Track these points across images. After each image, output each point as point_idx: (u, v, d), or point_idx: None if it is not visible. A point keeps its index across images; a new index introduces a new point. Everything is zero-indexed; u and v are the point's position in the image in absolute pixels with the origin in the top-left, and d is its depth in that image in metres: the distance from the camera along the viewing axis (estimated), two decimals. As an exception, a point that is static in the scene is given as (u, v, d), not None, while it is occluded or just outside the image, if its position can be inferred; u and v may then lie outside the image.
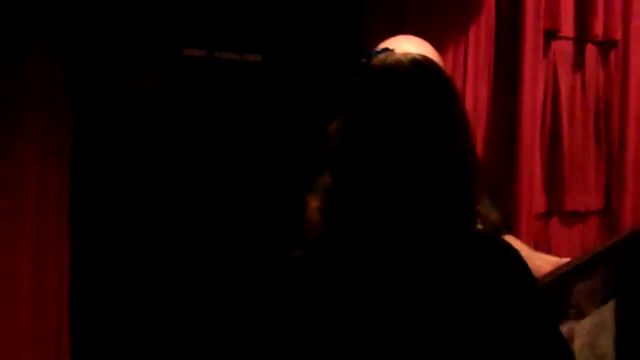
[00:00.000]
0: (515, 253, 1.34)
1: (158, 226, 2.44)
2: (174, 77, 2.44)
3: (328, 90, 2.66)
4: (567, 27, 2.87)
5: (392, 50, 1.48)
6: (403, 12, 2.65)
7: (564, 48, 2.89)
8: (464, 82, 2.72)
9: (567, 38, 2.88)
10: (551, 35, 2.85)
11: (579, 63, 2.92)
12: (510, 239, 1.62)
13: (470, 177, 1.34)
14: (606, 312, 1.74)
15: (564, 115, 2.88)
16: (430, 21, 2.67)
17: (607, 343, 1.75)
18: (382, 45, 1.83)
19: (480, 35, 2.75)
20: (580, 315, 1.69)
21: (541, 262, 1.79)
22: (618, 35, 2.94)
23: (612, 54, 2.97)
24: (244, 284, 2.51)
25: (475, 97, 2.75)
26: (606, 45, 2.95)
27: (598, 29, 2.90)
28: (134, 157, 2.41)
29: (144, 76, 2.39)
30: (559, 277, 1.64)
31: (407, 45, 1.80)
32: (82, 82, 2.21)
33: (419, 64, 1.35)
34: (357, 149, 1.33)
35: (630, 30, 2.96)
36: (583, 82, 2.92)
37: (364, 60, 1.51)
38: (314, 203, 1.40)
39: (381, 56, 1.41)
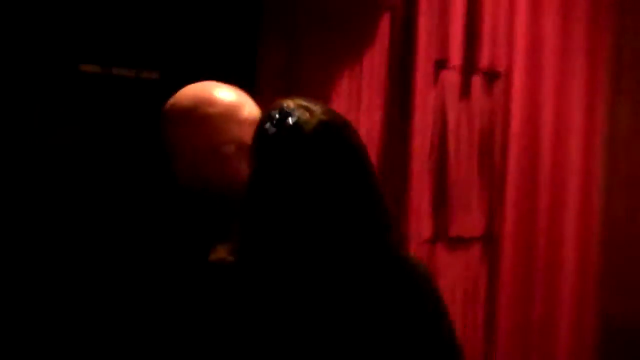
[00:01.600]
0: (423, 268, 1.49)
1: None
2: (69, 92, 2.38)
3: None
4: (456, 57, 2.99)
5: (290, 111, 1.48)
6: (297, 39, 2.69)
7: (451, 78, 3.01)
8: (358, 108, 2.79)
9: (454, 68, 3.00)
10: (440, 64, 2.97)
11: (465, 92, 3.05)
12: None
13: (378, 213, 1.45)
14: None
15: (451, 142, 2.98)
16: (325, 48, 2.73)
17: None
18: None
19: (374, 64, 2.83)
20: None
21: None
22: (501, 67, 3.10)
23: (496, 85, 3.11)
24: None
25: (370, 123, 2.82)
26: (491, 77, 3.10)
27: (484, 60, 3.04)
28: (27, 172, 2.34)
29: (38, 91, 2.32)
30: None
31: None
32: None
33: (324, 125, 1.44)
34: (268, 207, 1.42)
35: (513, 63, 3.11)
36: (469, 111, 3.05)
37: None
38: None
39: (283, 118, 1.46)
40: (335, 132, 1.44)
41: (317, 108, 1.48)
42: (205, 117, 1.70)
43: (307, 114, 1.45)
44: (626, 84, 3.53)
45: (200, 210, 1.64)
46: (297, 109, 1.47)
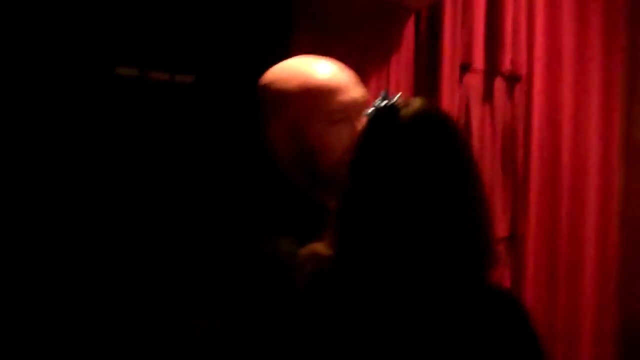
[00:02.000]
0: (518, 306, 1.40)
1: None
2: (105, 95, 2.40)
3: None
4: (478, 61, 3.04)
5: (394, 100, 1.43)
6: (327, 42, 2.72)
7: (475, 81, 3.05)
8: (386, 110, 2.82)
9: (478, 71, 3.05)
10: (464, 68, 3.01)
11: (488, 96, 3.10)
12: None
13: (479, 230, 1.37)
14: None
15: (475, 144, 3.03)
16: (355, 49, 2.76)
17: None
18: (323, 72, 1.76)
19: (401, 65, 2.86)
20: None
21: None
22: (522, 71, 3.15)
23: (517, 88, 3.16)
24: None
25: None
26: (512, 80, 3.14)
27: (506, 64, 3.09)
28: (65, 175, 2.35)
29: (75, 93, 2.34)
30: None
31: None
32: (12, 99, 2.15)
33: (424, 117, 1.38)
34: (366, 204, 1.35)
35: (533, 67, 3.17)
36: (492, 113, 3.09)
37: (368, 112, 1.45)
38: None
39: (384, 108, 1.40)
40: (434, 122, 1.38)
41: (417, 100, 1.43)
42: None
43: (407, 103, 1.40)
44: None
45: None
46: (398, 98, 1.42)
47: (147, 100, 2.45)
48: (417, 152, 1.34)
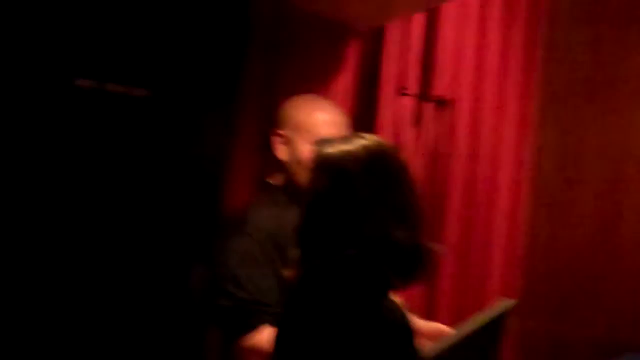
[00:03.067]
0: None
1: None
2: (64, 107, 2.39)
3: (208, 123, 2.77)
4: (412, 86, 3.20)
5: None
6: (281, 59, 2.81)
7: (408, 104, 3.21)
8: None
9: (411, 95, 3.21)
10: (400, 91, 3.16)
11: (419, 118, 3.26)
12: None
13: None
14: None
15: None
16: (301, 69, 2.86)
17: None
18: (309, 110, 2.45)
19: (343, 88, 2.99)
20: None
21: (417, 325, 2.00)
22: (450, 95, 3.33)
23: (445, 112, 3.34)
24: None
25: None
26: (441, 104, 3.32)
27: (436, 88, 3.27)
28: (20, 184, 2.34)
29: (34, 104, 2.33)
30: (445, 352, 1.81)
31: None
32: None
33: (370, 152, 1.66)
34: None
35: (461, 92, 3.36)
36: (421, 136, 3.26)
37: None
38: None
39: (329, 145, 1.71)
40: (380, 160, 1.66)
41: (369, 137, 1.71)
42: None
43: (356, 140, 1.68)
44: (551, 115, 3.89)
45: None
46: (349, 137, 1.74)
47: (104, 112, 2.47)
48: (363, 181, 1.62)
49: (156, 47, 2.57)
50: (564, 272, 3.89)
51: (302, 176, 2.19)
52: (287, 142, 2.40)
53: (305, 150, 2.23)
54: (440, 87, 3.29)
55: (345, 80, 2.99)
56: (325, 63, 2.95)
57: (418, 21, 3.18)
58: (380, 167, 1.64)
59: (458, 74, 3.36)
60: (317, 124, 2.36)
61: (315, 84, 2.91)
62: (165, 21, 2.59)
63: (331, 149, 1.66)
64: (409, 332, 1.61)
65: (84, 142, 2.46)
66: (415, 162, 3.22)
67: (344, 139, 1.73)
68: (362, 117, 3.04)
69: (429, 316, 3.36)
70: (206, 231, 2.66)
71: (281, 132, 2.42)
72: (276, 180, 2.43)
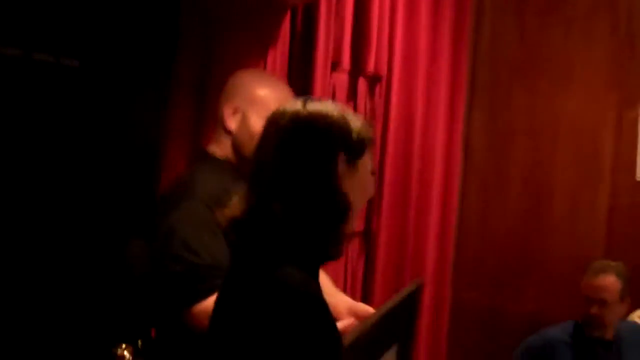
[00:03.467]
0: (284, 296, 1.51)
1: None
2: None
3: (142, 96, 2.71)
4: (346, 61, 3.19)
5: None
6: (213, 34, 2.76)
7: (342, 79, 3.21)
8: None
9: (345, 70, 3.20)
10: (333, 67, 3.15)
11: (352, 94, 3.26)
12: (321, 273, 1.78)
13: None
14: (389, 357, 1.92)
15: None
16: (234, 45, 2.82)
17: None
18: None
19: (277, 62, 2.96)
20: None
21: (336, 301, 2.05)
22: (383, 72, 3.34)
23: (377, 88, 3.36)
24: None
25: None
26: (374, 80, 3.33)
27: (370, 64, 3.27)
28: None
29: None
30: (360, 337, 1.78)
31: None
32: None
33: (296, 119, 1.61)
34: None
35: (393, 68, 3.38)
36: (354, 111, 3.26)
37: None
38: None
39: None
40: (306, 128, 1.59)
41: (311, 104, 1.63)
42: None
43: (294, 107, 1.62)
44: (480, 99, 3.97)
45: None
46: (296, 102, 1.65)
47: (31, 81, 2.38)
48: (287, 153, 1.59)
49: (87, 16, 2.50)
50: (496, 249, 3.97)
51: (251, 149, 2.13)
52: (239, 114, 2.32)
53: (258, 123, 2.07)
54: (373, 63, 3.29)
55: (279, 56, 2.96)
56: (258, 38, 2.90)
57: (350, -3, 3.19)
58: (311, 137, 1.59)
59: (391, 53, 3.38)
60: (272, 100, 2.28)
61: (249, 58, 2.88)
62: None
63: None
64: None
65: (10, 112, 2.36)
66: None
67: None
68: (297, 93, 3.01)
69: (367, 295, 3.38)
70: (144, 203, 2.59)
71: (234, 103, 2.33)
72: (220, 151, 2.34)
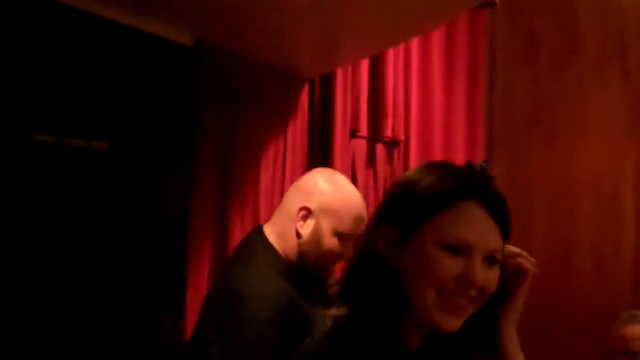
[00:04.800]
0: None
1: None
2: (24, 162, 2.42)
3: (168, 172, 2.80)
4: (364, 128, 3.29)
5: None
6: (233, 110, 2.87)
7: (360, 145, 3.30)
8: (283, 174, 3.00)
9: (363, 137, 3.30)
10: (352, 134, 3.25)
11: (371, 159, 3.36)
12: None
13: None
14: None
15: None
16: (255, 117, 2.93)
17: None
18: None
19: (297, 132, 3.06)
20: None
21: None
22: (401, 136, 3.44)
23: (396, 152, 3.45)
24: None
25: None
26: (392, 145, 3.42)
27: (387, 131, 3.37)
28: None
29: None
30: None
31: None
32: None
33: None
34: None
35: (410, 131, 3.47)
36: (374, 176, 3.35)
37: None
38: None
39: None
40: None
41: None
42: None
43: None
44: (497, 155, 4.04)
45: None
46: None
47: (65, 166, 2.49)
48: None
49: (114, 101, 2.61)
50: (525, 305, 3.95)
51: (315, 256, 2.22)
52: (312, 220, 2.24)
53: (328, 234, 2.22)
54: (390, 129, 3.39)
55: (299, 126, 3.06)
56: (278, 111, 3.01)
57: (365, 66, 3.30)
58: None
59: (407, 116, 3.48)
60: (344, 212, 2.23)
61: (270, 131, 2.98)
62: (123, 75, 2.64)
63: None
64: None
65: (45, 197, 2.47)
66: (370, 201, 3.30)
67: None
68: (317, 161, 3.11)
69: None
70: (173, 282, 2.67)
71: (308, 205, 2.24)
72: (281, 242, 2.26)
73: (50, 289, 2.45)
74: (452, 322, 1.32)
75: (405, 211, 1.34)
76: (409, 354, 1.35)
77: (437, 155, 3.55)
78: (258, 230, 2.32)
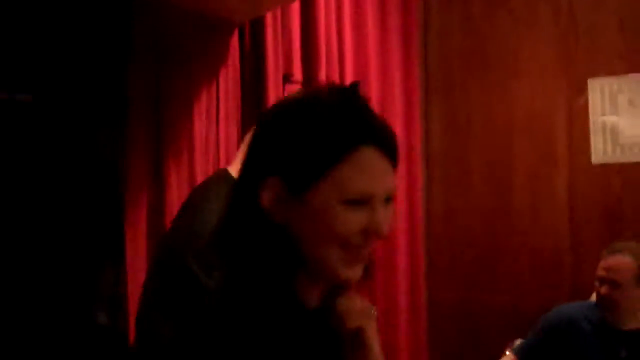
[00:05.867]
0: None
1: None
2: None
3: (96, 128, 2.72)
4: (298, 72, 3.23)
5: None
6: (164, 58, 2.78)
7: (294, 91, 3.24)
8: (217, 122, 2.93)
9: (297, 82, 3.24)
10: (286, 78, 3.19)
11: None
12: None
13: None
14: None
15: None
16: (186, 67, 2.84)
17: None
18: None
19: (229, 78, 2.98)
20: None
21: None
22: (336, 80, 3.38)
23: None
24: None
25: (227, 136, 2.97)
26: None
27: (321, 74, 3.31)
28: None
29: None
30: None
31: None
32: None
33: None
34: None
35: (345, 76, 3.43)
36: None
37: None
38: None
39: None
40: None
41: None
42: None
43: None
44: (435, 98, 4.04)
45: None
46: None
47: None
48: None
49: (39, 52, 2.51)
50: (463, 244, 4.02)
51: None
52: None
53: None
54: (325, 73, 3.33)
55: (230, 72, 2.97)
56: (209, 60, 2.91)
57: (296, 9, 3.22)
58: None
59: (341, 60, 3.43)
60: None
61: (202, 80, 2.89)
62: (48, 25, 2.53)
63: None
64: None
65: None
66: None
67: None
68: (251, 108, 3.05)
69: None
70: (110, 233, 2.61)
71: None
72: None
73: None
74: (357, 273, 1.22)
75: (296, 164, 1.18)
76: (313, 312, 1.26)
77: (374, 100, 3.49)
78: (224, 173, 2.23)
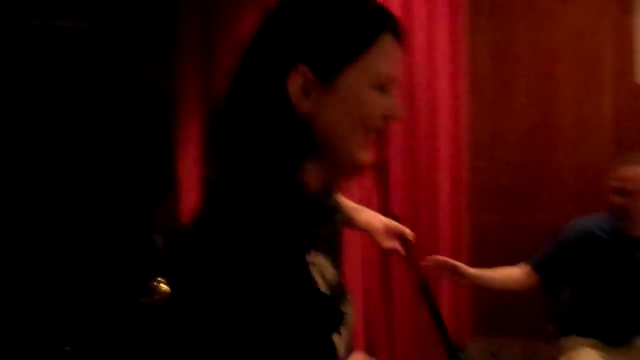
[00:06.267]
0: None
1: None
2: (10, 44, 2.48)
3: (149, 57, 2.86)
4: None
5: None
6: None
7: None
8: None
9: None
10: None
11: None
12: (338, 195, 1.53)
13: None
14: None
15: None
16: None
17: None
18: None
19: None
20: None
21: (367, 217, 2.05)
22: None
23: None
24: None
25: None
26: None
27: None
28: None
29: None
30: None
31: None
32: None
33: None
34: None
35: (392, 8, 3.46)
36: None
37: None
38: None
39: None
40: None
41: None
42: None
43: None
44: (480, 22, 4.05)
45: None
46: None
47: (50, 47, 2.55)
48: None
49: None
50: (507, 166, 4.08)
51: None
52: None
53: None
54: None
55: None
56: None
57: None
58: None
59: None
60: None
61: (251, 9, 2.95)
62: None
63: None
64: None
65: (33, 78, 2.54)
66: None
67: None
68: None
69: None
70: (163, 164, 2.75)
71: None
72: None
73: (47, 162, 2.54)
74: (369, 157, 1.24)
75: (329, 48, 1.16)
76: (313, 197, 1.23)
77: (417, 23, 3.56)
78: None
